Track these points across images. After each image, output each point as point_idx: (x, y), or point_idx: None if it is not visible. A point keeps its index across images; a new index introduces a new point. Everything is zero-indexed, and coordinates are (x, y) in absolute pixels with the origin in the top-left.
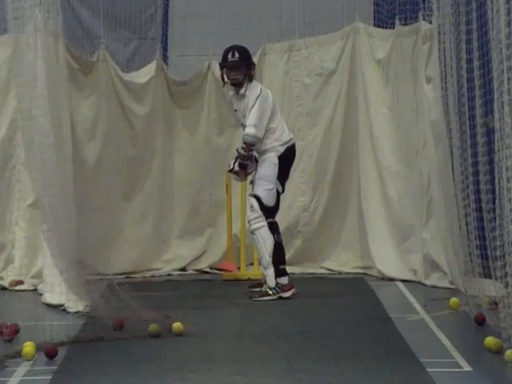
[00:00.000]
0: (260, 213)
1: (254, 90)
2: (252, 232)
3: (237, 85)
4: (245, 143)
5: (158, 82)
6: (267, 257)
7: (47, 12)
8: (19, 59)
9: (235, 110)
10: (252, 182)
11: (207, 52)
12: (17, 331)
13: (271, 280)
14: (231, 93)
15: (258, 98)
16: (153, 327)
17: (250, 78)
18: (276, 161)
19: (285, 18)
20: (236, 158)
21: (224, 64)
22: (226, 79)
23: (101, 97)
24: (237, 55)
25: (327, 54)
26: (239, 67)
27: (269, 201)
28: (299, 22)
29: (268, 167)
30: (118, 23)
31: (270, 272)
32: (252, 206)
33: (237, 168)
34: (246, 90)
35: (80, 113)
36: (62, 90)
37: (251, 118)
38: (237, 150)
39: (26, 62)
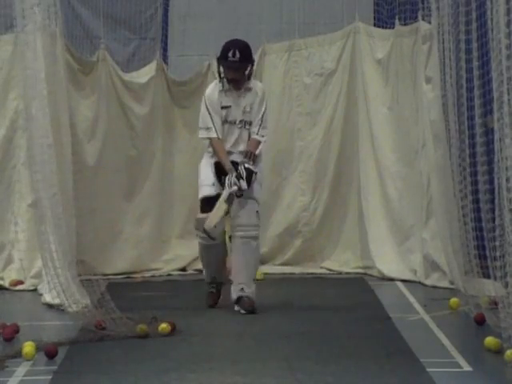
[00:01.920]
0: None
1: (260, 85)
2: (252, 238)
3: (235, 81)
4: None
5: (158, 82)
6: (256, 268)
7: (47, 12)
8: (19, 59)
9: (225, 107)
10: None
11: (207, 52)
12: (17, 331)
13: (255, 295)
14: (223, 87)
15: (264, 97)
16: (141, 328)
17: (249, 76)
18: None
19: (285, 18)
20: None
21: (223, 62)
22: (222, 75)
23: (101, 97)
24: (237, 55)
25: (327, 54)
26: (239, 68)
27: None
28: (299, 21)
29: (261, 173)
30: (118, 23)
31: (254, 286)
32: (257, 212)
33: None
34: (250, 84)
35: (80, 113)
36: (61, 90)
37: (265, 120)
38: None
39: (26, 61)
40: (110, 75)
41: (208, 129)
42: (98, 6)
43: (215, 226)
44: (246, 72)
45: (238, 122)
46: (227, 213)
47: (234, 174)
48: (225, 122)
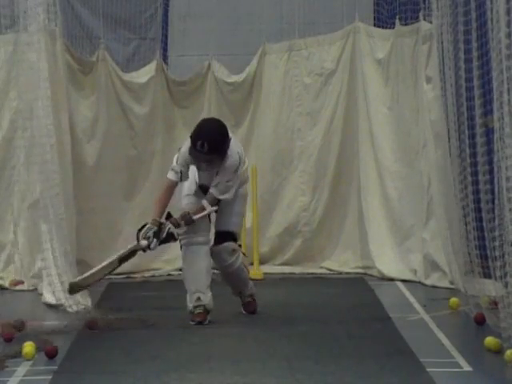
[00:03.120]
0: (239, 250)
1: (234, 156)
2: (229, 273)
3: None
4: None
5: (158, 82)
6: (246, 278)
7: (47, 12)
8: (20, 59)
9: (198, 168)
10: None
11: (207, 52)
12: (21, 329)
13: (253, 287)
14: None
15: (237, 170)
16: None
17: (223, 157)
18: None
19: (285, 18)
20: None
21: (191, 150)
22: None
23: (100, 97)
24: (206, 148)
25: (327, 54)
26: (207, 159)
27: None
28: (299, 22)
29: (242, 202)
30: (117, 23)
31: (250, 283)
32: (234, 250)
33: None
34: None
35: (80, 113)
36: (61, 90)
37: (222, 183)
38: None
39: (28, 62)
40: (109, 75)
41: (173, 170)
42: (98, 5)
43: (88, 286)
44: (218, 158)
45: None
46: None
47: (154, 229)
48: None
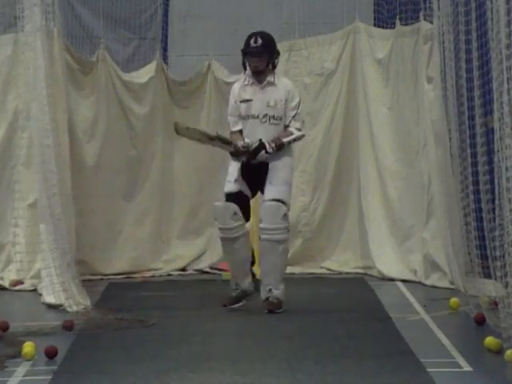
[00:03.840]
0: (289, 222)
1: (286, 81)
2: (276, 241)
3: (258, 72)
4: (294, 140)
5: (158, 82)
6: (284, 270)
7: (45, 12)
8: (19, 59)
9: (247, 100)
10: (263, 187)
11: (207, 52)
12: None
13: (284, 294)
14: (249, 80)
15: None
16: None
17: (274, 67)
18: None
19: (285, 18)
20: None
21: (246, 50)
22: (247, 66)
23: (100, 97)
24: (260, 41)
25: (327, 54)
26: (261, 54)
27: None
28: (299, 22)
29: (290, 171)
30: (117, 23)
31: (283, 286)
32: (285, 215)
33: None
34: (274, 79)
35: (79, 113)
36: (59, 90)
37: (298, 114)
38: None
39: (26, 62)
40: (109, 75)
41: (229, 121)
42: (98, 5)
43: (187, 128)
44: (269, 61)
45: (261, 116)
46: (211, 139)
47: (245, 139)
48: (246, 116)
